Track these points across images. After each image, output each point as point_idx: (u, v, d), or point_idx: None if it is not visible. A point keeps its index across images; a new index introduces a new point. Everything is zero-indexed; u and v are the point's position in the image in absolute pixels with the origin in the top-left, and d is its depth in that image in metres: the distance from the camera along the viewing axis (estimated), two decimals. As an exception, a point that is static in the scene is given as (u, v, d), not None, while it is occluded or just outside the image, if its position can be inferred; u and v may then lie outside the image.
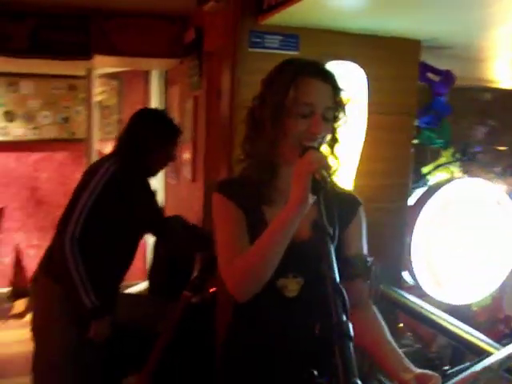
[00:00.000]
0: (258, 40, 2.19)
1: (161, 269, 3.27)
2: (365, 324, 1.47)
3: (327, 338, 1.45)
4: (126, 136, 2.50)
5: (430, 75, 2.68)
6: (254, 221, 1.43)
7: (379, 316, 1.53)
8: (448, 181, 2.81)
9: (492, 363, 1.04)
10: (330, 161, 1.49)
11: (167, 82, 4.57)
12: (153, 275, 3.42)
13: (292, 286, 1.44)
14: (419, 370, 1.31)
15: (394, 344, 1.43)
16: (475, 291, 2.82)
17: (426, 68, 2.67)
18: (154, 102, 4.82)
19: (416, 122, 2.57)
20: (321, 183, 1.25)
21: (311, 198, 1.27)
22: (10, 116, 5.04)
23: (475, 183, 2.80)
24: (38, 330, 2.38)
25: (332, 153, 1.50)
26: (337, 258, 1.48)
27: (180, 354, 2.39)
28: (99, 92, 5.00)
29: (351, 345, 0.84)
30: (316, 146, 1.39)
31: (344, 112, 1.48)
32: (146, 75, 5.02)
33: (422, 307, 2.40)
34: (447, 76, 2.67)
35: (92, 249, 2.27)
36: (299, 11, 2.03)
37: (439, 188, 2.77)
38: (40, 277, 2.39)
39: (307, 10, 2.03)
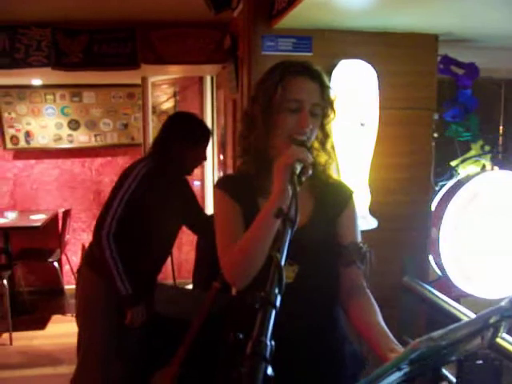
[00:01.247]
0: (272, 43, 2.31)
1: (203, 263, 3.42)
2: (359, 308, 1.54)
3: (318, 326, 1.56)
4: (158, 139, 2.69)
5: (454, 68, 2.68)
6: (250, 213, 1.52)
7: (372, 300, 1.58)
8: (477, 173, 2.81)
9: (435, 334, 1.11)
10: (321, 155, 1.59)
11: (216, 86, 4.76)
12: (196, 270, 3.59)
13: (287, 273, 1.51)
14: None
15: (383, 326, 1.47)
16: (506, 286, 2.78)
17: (449, 61, 2.68)
18: (207, 106, 5.03)
19: (436, 116, 2.59)
20: (296, 175, 1.34)
21: (290, 190, 1.36)
22: (74, 124, 5.44)
23: (505, 176, 2.78)
24: (81, 316, 2.62)
25: (323, 148, 1.60)
26: (332, 244, 1.59)
27: (208, 345, 2.49)
28: (161, 99, 5.30)
29: (273, 313, 0.94)
30: (304, 139, 1.47)
31: (333, 109, 1.57)
32: (200, 80, 5.24)
33: (444, 301, 2.41)
34: (471, 69, 2.66)
35: (128, 242, 2.47)
36: (307, 13, 2.13)
37: (468, 181, 2.77)
38: (83, 269, 2.64)
39: (315, 11, 2.12)
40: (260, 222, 1.43)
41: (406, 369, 1.16)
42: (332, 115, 1.57)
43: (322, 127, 1.57)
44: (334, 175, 1.64)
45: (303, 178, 1.36)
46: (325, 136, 1.59)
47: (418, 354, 1.12)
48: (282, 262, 1.07)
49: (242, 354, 0.87)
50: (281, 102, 1.48)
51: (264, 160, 1.56)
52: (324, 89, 1.53)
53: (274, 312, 0.95)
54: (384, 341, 1.41)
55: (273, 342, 0.88)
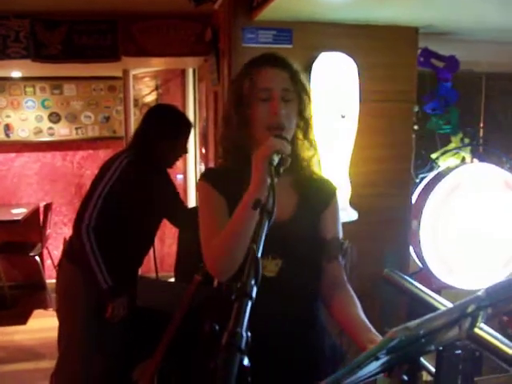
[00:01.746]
0: (252, 36, 2.30)
1: (185, 256, 3.41)
2: (340, 302, 1.56)
3: (299, 319, 1.57)
4: (138, 131, 2.67)
5: (434, 61, 2.70)
6: (234, 205, 1.50)
7: (353, 294, 1.59)
8: (457, 166, 2.83)
9: (411, 323, 1.12)
10: (305, 147, 1.59)
11: (198, 79, 4.74)
12: (178, 263, 3.58)
13: (271, 267, 1.53)
14: None
15: (364, 319, 1.49)
16: (486, 276, 2.82)
17: (429, 54, 2.69)
18: (189, 99, 5.00)
19: (417, 109, 2.61)
20: (274, 166, 1.34)
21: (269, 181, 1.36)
22: (55, 117, 5.38)
23: (484, 168, 2.81)
24: (62, 310, 2.61)
25: (306, 137, 1.59)
26: (315, 239, 1.60)
27: (189, 338, 2.48)
28: (143, 92, 5.26)
29: (249, 304, 0.94)
30: (283, 135, 1.45)
31: (307, 94, 1.56)
32: (183, 73, 5.20)
33: (425, 293, 2.43)
34: (451, 61, 2.68)
35: (108, 235, 2.46)
36: (288, 5, 2.12)
37: (448, 173, 2.80)
38: (63, 262, 2.62)
39: (295, 2, 2.12)
40: (239, 214, 1.43)
41: (383, 358, 1.17)
42: (307, 100, 1.56)
43: (301, 115, 1.56)
44: (318, 171, 1.65)
45: (281, 170, 1.36)
46: (306, 124, 1.59)
47: (396, 344, 1.13)
48: (259, 254, 1.06)
49: (218, 345, 0.87)
50: (250, 94, 1.49)
51: (244, 155, 1.54)
52: (293, 74, 1.52)
53: (250, 303, 0.94)
54: (365, 333, 1.42)
55: (249, 333, 0.88)
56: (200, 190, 1.62)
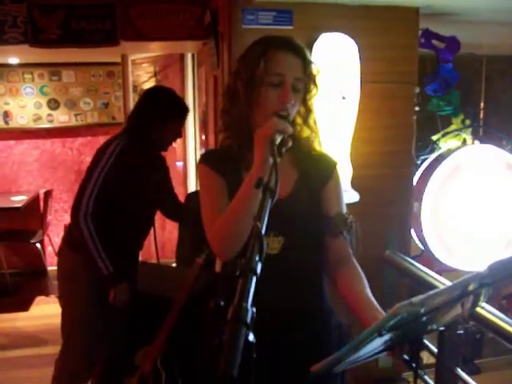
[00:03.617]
0: (252, 17, 2.28)
1: (186, 240, 3.43)
2: (346, 278, 1.55)
3: (304, 296, 1.57)
4: (133, 114, 2.65)
5: (435, 42, 2.68)
6: (234, 186, 1.50)
7: (359, 270, 1.58)
8: (458, 147, 2.83)
9: (414, 299, 1.12)
10: (304, 130, 1.59)
11: (197, 63, 4.71)
12: (179, 247, 3.59)
13: (273, 245, 1.53)
14: None
15: (370, 296, 1.48)
16: (488, 258, 2.82)
17: (430, 35, 2.67)
18: (188, 84, 4.98)
19: (418, 90, 2.59)
20: (276, 146, 1.34)
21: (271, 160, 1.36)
22: (54, 104, 5.35)
23: (486, 149, 2.80)
24: (64, 296, 2.61)
25: (306, 123, 1.59)
26: (316, 216, 1.60)
27: (191, 322, 2.48)
28: (141, 78, 5.23)
29: (254, 279, 0.94)
30: (284, 114, 1.44)
31: (315, 84, 1.56)
32: (181, 58, 5.16)
33: (427, 274, 2.43)
34: (452, 42, 2.66)
35: (106, 220, 2.44)
36: (288, -14, 2.11)
37: (449, 155, 2.79)
38: (63, 249, 2.61)
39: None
40: (242, 194, 1.43)
41: (386, 336, 1.17)
42: (314, 90, 1.56)
43: (305, 102, 1.56)
44: (318, 148, 1.64)
45: (283, 150, 1.36)
46: (307, 111, 1.59)
47: (399, 320, 1.13)
48: (263, 231, 1.06)
49: (223, 321, 0.87)
50: (263, 76, 1.47)
51: (246, 134, 1.54)
52: (306, 64, 1.51)
53: (254, 278, 0.94)
54: (370, 310, 1.42)
55: (254, 309, 0.88)
56: (200, 172, 1.62)
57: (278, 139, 1.34)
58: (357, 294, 1.50)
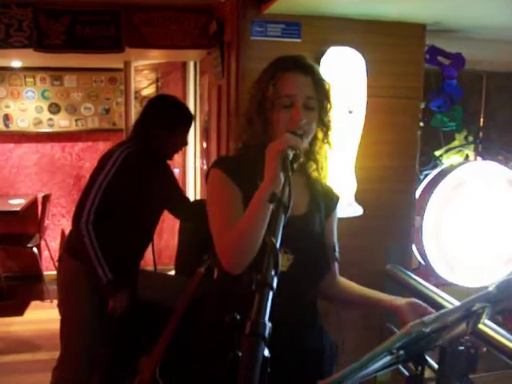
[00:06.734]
0: (261, 29, 2.30)
1: (186, 249, 3.41)
2: (342, 286, 1.68)
3: (304, 314, 1.58)
4: (138, 122, 2.64)
5: (440, 58, 2.70)
6: (249, 196, 1.45)
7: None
8: (460, 163, 2.84)
9: (426, 318, 1.13)
10: (322, 150, 1.60)
11: (200, 72, 4.72)
12: (179, 255, 3.58)
13: (283, 262, 1.51)
14: (407, 299, 1.46)
15: (370, 290, 1.61)
16: (488, 274, 2.83)
17: (436, 51, 2.69)
18: (190, 92, 4.99)
19: (422, 106, 2.61)
20: (289, 161, 1.33)
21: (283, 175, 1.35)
22: (55, 108, 5.35)
23: (488, 166, 2.82)
24: (63, 305, 2.58)
25: (325, 140, 1.61)
26: (323, 239, 1.62)
27: (191, 331, 2.47)
28: (142, 84, 5.24)
29: (270, 294, 0.94)
30: (300, 132, 1.44)
31: (329, 101, 1.57)
32: (183, 66, 5.18)
33: (428, 288, 2.44)
34: (457, 59, 2.69)
35: (108, 229, 2.43)
36: (297, -1, 2.12)
37: (451, 170, 2.81)
38: (63, 257, 2.59)
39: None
40: (254, 208, 1.40)
41: (394, 353, 1.17)
42: (329, 106, 1.58)
43: (321, 120, 1.56)
44: (324, 177, 1.68)
45: (295, 165, 1.36)
46: (326, 128, 1.61)
47: (410, 339, 1.13)
48: (278, 245, 1.07)
49: (239, 336, 0.87)
50: (274, 99, 1.49)
51: (261, 152, 1.54)
52: (317, 81, 1.52)
53: (271, 293, 0.95)
54: (381, 296, 1.56)
55: (270, 324, 0.88)
56: (213, 178, 1.56)
57: (291, 154, 1.34)
58: (360, 291, 1.62)
